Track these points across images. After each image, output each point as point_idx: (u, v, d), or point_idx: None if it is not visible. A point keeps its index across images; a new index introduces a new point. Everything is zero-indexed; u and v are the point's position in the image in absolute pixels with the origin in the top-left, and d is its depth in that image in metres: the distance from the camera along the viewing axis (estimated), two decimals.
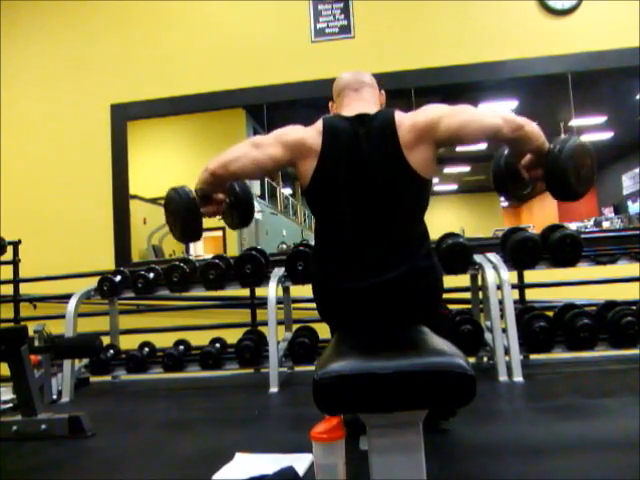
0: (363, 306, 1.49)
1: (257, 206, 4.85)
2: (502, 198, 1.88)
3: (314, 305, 1.64)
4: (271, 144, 1.56)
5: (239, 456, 1.67)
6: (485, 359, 2.87)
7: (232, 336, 3.01)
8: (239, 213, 1.83)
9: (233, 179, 1.68)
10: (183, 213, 1.67)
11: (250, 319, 3.41)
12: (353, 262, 1.49)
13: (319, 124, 1.56)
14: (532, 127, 1.49)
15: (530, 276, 3.15)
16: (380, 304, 1.48)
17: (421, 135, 1.49)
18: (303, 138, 1.54)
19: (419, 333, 1.34)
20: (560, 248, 2.69)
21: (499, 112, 1.50)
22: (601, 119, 6.08)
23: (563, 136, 1.55)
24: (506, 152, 1.67)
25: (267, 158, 1.55)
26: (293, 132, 1.57)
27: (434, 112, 1.51)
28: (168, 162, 5.27)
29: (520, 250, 2.74)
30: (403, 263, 1.47)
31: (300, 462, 1.54)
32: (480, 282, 2.91)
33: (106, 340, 2.98)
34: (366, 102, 1.62)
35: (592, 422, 1.88)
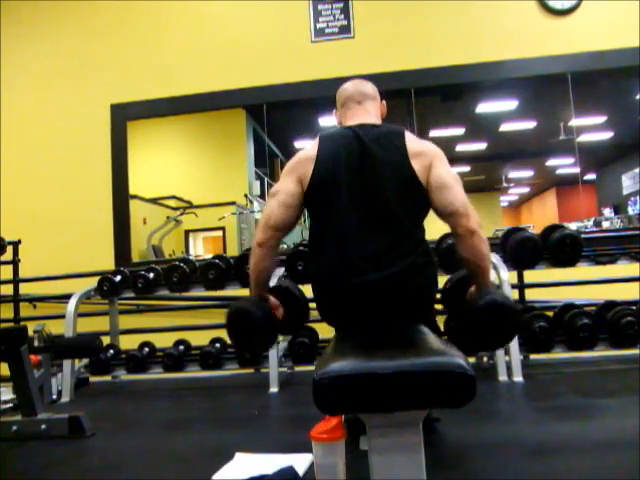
0: (362, 303, 1.49)
1: (257, 206, 4.85)
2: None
3: (314, 305, 1.64)
4: (282, 182, 1.61)
5: (239, 456, 1.67)
6: (485, 359, 2.87)
7: None
8: (296, 310, 1.75)
9: (280, 233, 1.62)
10: (262, 329, 1.56)
11: None
12: (350, 260, 1.49)
13: (317, 137, 1.64)
14: (482, 243, 1.47)
15: (530, 276, 3.14)
16: (378, 300, 1.48)
17: (425, 153, 1.55)
18: (299, 155, 1.62)
19: (419, 333, 1.34)
20: (560, 248, 2.69)
21: (468, 207, 1.50)
22: (601, 119, 6.07)
23: (488, 293, 1.46)
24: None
25: (286, 195, 1.59)
26: (293, 158, 1.64)
27: (438, 158, 1.56)
28: (168, 162, 5.27)
29: (520, 250, 2.74)
30: (401, 259, 1.47)
31: (300, 462, 1.54)
32: None
33: (106, 340, 2.98)
34: (369, 114, 1.68)
35: (592, 422, 1.88)
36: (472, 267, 1.51)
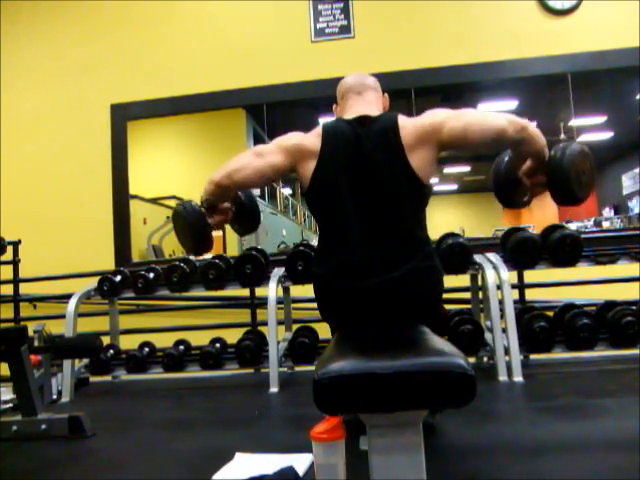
0: (364, 306, 1.49)
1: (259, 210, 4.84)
2: (503, 206, 1.91)
3: (314, 305, 1.64)
4: (272, 152, 1.59)
5: (239, 456, 1.67)
6: (485, 359, 2.87)
7: (232, 336, 3.01)
8: (246, 220, 1.87)
9: (238, 188, 1.70)
10: (193, 226, 1.70)
11: (250, 319, 3.41)
12: (354, 262, 1.49)
13: (319, 128, 1.59)
14: (534, 129, 1.49)
15: (530, 276, 3.14)
16: (381, 304, 1.48)
17: (424, 137, 1.50)
18: (302, 142, 1.58)
19: (419, 333, 1.34)
20: (560, 248, 2.69)
21: (501, 114, 1.50)
22: (601, 119, 6.07)
23: (563, 143, 1.55)
24: (506, 159, 1.67)
25: (269, 166, 1.58)
26: (292, 137, 1.61)
27: (438, 115, 1.53)
28: (168, 162, 5.27)
29: (520, 250, 2.74)
30: (405, 263, 1.47)
31: (300, 462, 1.54)
32: (480, 282, 2.91)
33: (106, 340, 2.98)
34: (369, 105, 1.64)
35: (592, 422, 1.88)
36: (537, 149, 1.50)
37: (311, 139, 1.57)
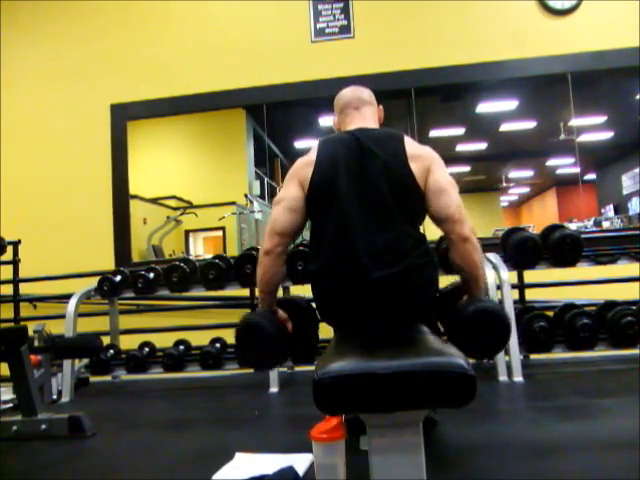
0: (362, 304, 1.49)
1: (257, 206, 4.85)
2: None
3: (315, 304, 1.64)
4: (285, 189, 1.63)
5: (239, 456, 1.67)
6: (485, 359, 2.87)
7: (232, 336, 2.99)
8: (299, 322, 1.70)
9: (286, 240, 1.62)
10: (274, 344, 1.53)
11: None
12: (350, 259, 1.50)
13: (316, 143, 1.66)
14: (476, 251, 1.48)
15: (530, 276, 3.14)
16: (379, 301, 1.48)
17: (423, 157, 1.57)
18: (300, 161, 1.63)
19: (419, 333, 1.34)
20: (560, 248, 2.69)
21: (465, 217, 1.50)
22: (601, 119, 6.07)
23: (476, 302, 1.49)
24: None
25: (291, 199, 1.60)
26: (294, 164, 1.65)
27: (438, 163, 1.58)
28: (168, 162, 5.27)
29: (520, 250, 2.74)
30: (400, 260, 1.47)
31: (300, 462, 1.54)
32: None
33: (106, 340, 2.98)
34: (366, 119, 1.71)
35: (592, 422, 1.88)
36: (464, 274, 1.52)
37: (308, 154, 1.63)
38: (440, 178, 1.54)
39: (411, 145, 1.58)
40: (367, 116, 1.72)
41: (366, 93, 1.78)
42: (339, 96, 1.79)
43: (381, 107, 1.81)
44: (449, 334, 1.56)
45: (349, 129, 1.67)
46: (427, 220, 1.63)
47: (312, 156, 1.60)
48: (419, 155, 1.56)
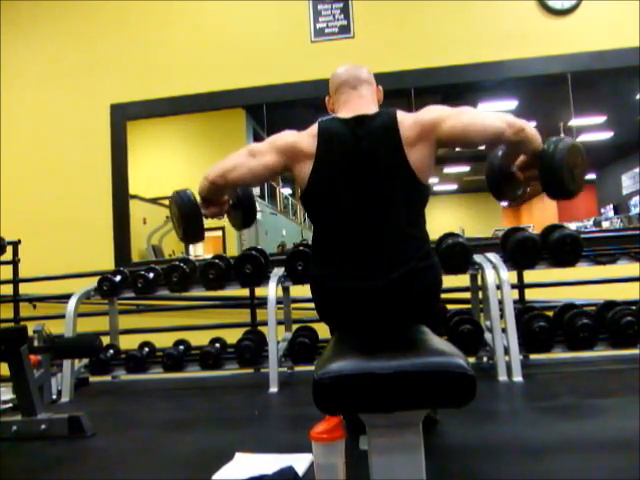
0: (363, 307, 1.49)
1: (257, 206, 4.85)
2: (497, 200, 1.92)
3: (314, 305, 1.64)
4: (266, 152, 1.59)
5: (239, 456, 1.67)
6: (485, 359, 2.87)
7: (232, 336, 3.01)
8: (242, 214, 1.89)
9: (231, 187, 1.71)
10: (185, 215, 1.72)
11: (250, 319, 3.41)
12: (352, 263, 1.49)
13: (314, 127, 1.57)
14: (531, 129, 1.50)
15: (530, 276, 3.14)
16: (380, 305, 1.48)
17: (423, 132, 1.50)
18: (296, 142, 1.56)
19: (419, 333, 1.34)
20: (560, 248, 2.69)
21: (501, 115, 1.51)
22: (601, 119, 6.08)
23: (555, 137, 1.57)
24: (500, 154, 1.69)
25: (263, 167, 1.59)
26: (286, 137, 1.59)
27: (439, 112, 1.53)
28: (168, 162, 5.27)
29: (520, 250, 2.74)
30: (403, 264, 1.47)
31: (300, 462, 1.54)
32: (480, 282, 2.91)
33: (106, 340, 2.98)
34: (364, 100, 1.63)
35: (592, 422, 1.88)
36: (533, 148, 1.52)
37: (307, 139, 1.55)
38: (451, 122, 1.49)
39: (406, 129, 1.50)
40: (365, 96, 1.63)
41: (364, 71, 1.68)
42: (334, 74, 1.69)
43: (380, 87, 1.72)
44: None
45: (345, 115, 1.58)
46: (427, 219, 1.63)
47: (312, 148, 1.53)
48: (415, 137, 1.49)
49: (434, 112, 1.53)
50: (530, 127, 1.50)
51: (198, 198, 1.71)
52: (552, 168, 1.53)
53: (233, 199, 1.82)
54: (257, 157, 1.59)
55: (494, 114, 1.52)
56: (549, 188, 1.60)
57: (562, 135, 1.66)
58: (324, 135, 1.55)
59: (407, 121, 1.51)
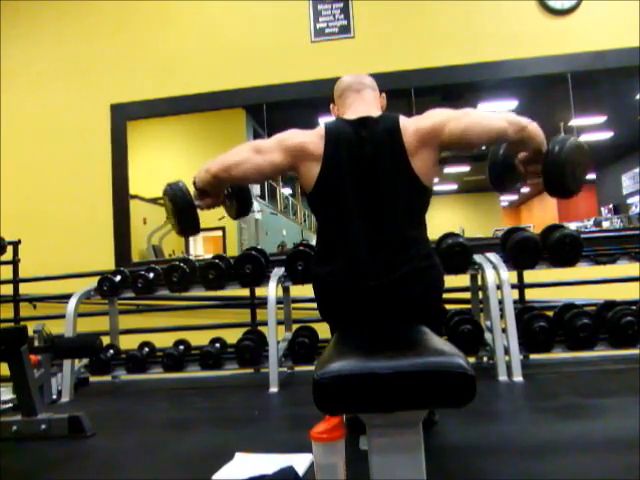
0: (364, 307, 1.49)
1: (257, 206, 4.85)
2: (497, 192, 1.94)
3: (314, 305, 1.64)
4: (272, 150, 1.58)
5: (239, 456, 1.67)
6: (485, 359, 2.87)
7: (232, 336, 3.01)
8: (237, 203, 1.86)
9: (234, 182, 1.70)
10: (179, 208, 1.72)
11: (250, 319, 3.41)
12: (355, 264, 1.50)
13: (321, 129, 1.58)
14: (534, 127, 1.51)
15: (530, 276, 3.14)
16: (381, 305, 1.48)
17: (426, 139, 1.51)
18: (304, 143, 1.56)
19: (419, 333, 1.34)
20: (560, 248, 2.69)
21: (502, 114, 1.52)
22: (601, 119, 6.08)
23: (562, 136, 1.58)
24: (504, 145, 1.70)
25: (268, 164, 1.57)
26: (294, 137, 1.59)
27: (438, 116, 1.53)
28: (168, 162, 5.27)
29: (520, 250, 2.74)
30: (404, 264, 1.47)
31: (300, 462, 1.54)
32: (480, 282, 2.91)
33: (106, 340, 2.98)
34: (368, 104, 1.64)
35: (592, 422, 1.88)
36: (535, 145, 1.54)
37: (314, 140, 1.55)
38: (451, 125, 1.49)
39: (409, 135, 1.50)
40: (368, 99, 1.65)
41: (368, 79, 1.72)
42: (339, 81, 1.73)
43: (384, 95, 1.73)
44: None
45: (349, 117, 1.59)
46: (427, 219, 1.63)
47: (319, 149, 1.53)
48: (417, 144, 1.49)
49: (434, 118, 1.53)
50: (532, 124, 1.51)
51: (192, 189, 1.70)
52: (557, 166, 1.54)
53: (228, 189, 1.81)
54: (263, 154, 1.58)
55: (495, 115, 1.53)
56: (550, 186, 1.61)
57: (567, 135, 1.68)
58: (331, 137, 1.55)
59: (409, 128, 1.52)
